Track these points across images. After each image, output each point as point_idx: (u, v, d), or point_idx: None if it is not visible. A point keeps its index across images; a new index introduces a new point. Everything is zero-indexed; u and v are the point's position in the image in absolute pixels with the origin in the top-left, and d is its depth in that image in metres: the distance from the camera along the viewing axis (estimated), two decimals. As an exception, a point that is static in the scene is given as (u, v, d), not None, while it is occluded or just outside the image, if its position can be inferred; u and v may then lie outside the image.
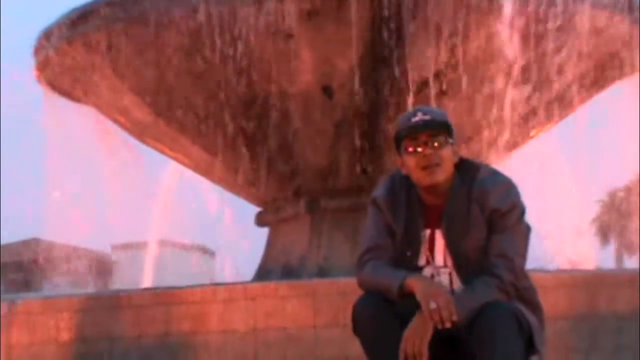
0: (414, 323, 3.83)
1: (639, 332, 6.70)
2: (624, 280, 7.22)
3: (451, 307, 3.78)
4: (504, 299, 3.89)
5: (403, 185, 4.09)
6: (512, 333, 3.79)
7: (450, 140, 4.03)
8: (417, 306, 3.84)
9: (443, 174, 3.99)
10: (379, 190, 4.16)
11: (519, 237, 4.01)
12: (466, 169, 4.07)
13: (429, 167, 3.98)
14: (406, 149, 4.03)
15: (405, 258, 4.05)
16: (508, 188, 4.04)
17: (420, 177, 4.01)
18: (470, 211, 3.99)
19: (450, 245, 4.02)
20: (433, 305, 3.78)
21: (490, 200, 3.97)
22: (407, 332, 3.81)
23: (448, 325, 3.79)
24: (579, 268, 11.16)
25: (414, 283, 3.88)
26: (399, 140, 4.07)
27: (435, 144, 3.99)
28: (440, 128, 4.02)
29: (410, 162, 4.02)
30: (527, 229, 4.06)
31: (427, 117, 4.01)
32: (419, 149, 3.99)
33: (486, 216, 3.97)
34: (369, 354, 3.96)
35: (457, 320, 3.80)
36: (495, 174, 4.10)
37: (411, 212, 4.06)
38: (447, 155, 4.01)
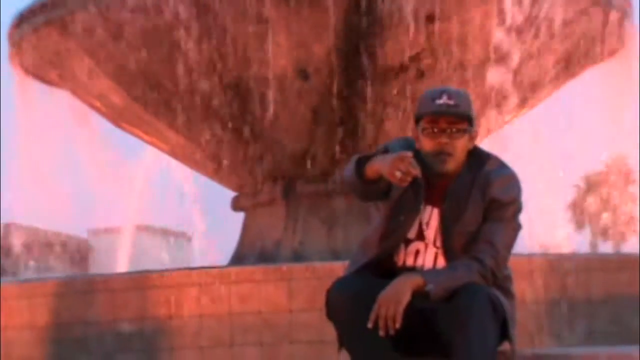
0: (393, 286, 3.83)
1: (611, 317, 6.76)
2: (597, 265, 7.28)
3: (413, 163, 3.79)
4: (481, 284, 3.91)
5: (412, 152, 4.04)
6: (488, 315, 3.82)
7: (470, 129, 4.03)
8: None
9: (454, 163, 4.01)
10: (392, 144, 4.13)
11: (510, 230, 4.06)
12: (476, 157, 4.09)
13: (441, 154, 3.98)
14: (424, 129, 4.02)
15: (398, 222, 4.04)
16: (511, 182, 4.08)
17: (431, 162, 4.01)
18: (470, 196, 4.01)
19: (444, 226, 4.04)
20: (398, 173, 3.79)
21: (493, 189, 4.01)
22: (383, 295, 3.81)
23: (411, 176, 3.79)
24: (553, 252, 11.21)
25: (375, 160, 3.91)
26: (419, 116, 4.05)
27: (453, 132, 3.98)
28: (462, 117, 3.99)
29: (425, 144, 4.02)
30: (519, 227, 4.11)
31: (451, 102, 3.97)
32: (436, 133, 3.98)
33: (485, 204, 4.01)
34: (344, 339, 3.96)
35: (433, 294, 3.81)
36: (503, 166, 4.13)
37: (415, 181, 3.99)
38: (462, 145, 4.01)
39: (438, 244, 4.07)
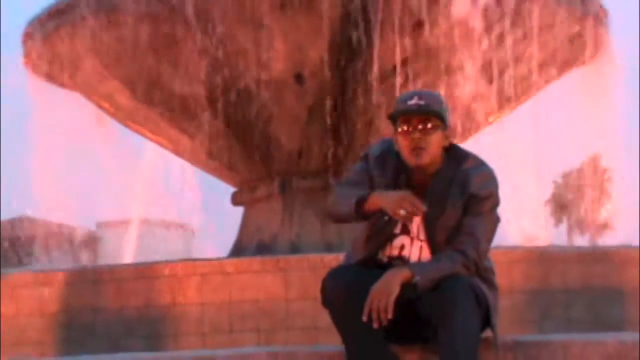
0: (383, 279, 3.84)
1: (587, 306, 6.75)
2: (574, 257, 7.28)
3: (418, 204, 3.82)
4: (465, 274, 3.91)
5: (393, 157, 4.09)
6: (470, 305, 3.82)
7: (442, 126, 4.04)
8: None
9: (428, 157, 4.01)
10: (373, 149, 4.16)
11: (489, 224, 4.06)
12: (455, 155, 4.09)
13: (415, 149, 4.00)
14: (399, 129, 4.05)
15: (383, 221, 4.04)
16: (489, 178, 4.07)
17: (408, 157, 4.03)
18: (450, 192, 4.02)
19: (427, 220, 4.04)
20: (402, 212, 3.83)
21: (471, 186, 4.01)
22: (375, 288, 3.82)
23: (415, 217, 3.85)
24: (533, 245, 11.21)
25: (377, 196, 3.92)
26: (395, 118, 4.08)
27: (425, 129, 4.00)
28: (432, 114, 4.02)
29: (401, 142, 4.04)
30: (497, 219, 4.11)
31: (421, 102, 4.01)
32: (410, 131, 4.00)
33: (464, 200, 4.01)
34: (339, 326, 3.95)
35: (420, 284, 3.81)
36: (481, 164, 4.13)
37: (396, 181, 4.05)
38: (435, 140, 4.02)
39: (422, 237, 4.07)
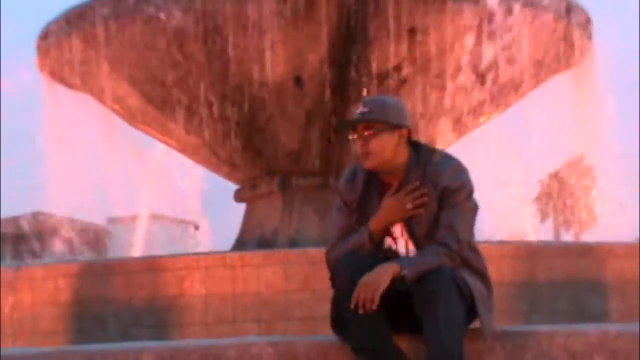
0: (373, 273, 3.84)
1: (571, 298, 6.75)
2: (559, 252, 7.28)
3: (402, 195, 3.96)
4: (450, 266, 3.91)
5: (362, 172, 4.12)
6: (453, 296, 3.81)
7: (389, 128, 4.02)
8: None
9: (375, 160, 4.02)
10: (342, 178, 4.21)
11: (466, 213, 4.03)
12: (422, 152, 4.08)
13: (363, 154, 4.05)
14: (352, 138, 4.10)
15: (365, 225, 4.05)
16: (458, 169, 4.05)
17: (362, 162, 4.08)
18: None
19: (406, 219, 4.02)
20: (410, 205, 3.94)
21: (442, 179, 3.98)
22: (364, 280, 3.82)
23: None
24: (521, 240, 11.22)
25: (375, 222, 3.99)
26: (347, 129, 4.16)
27: (369, 134, 4.02)
28: (374, 120, 4.02)
29: (355, 149, 4.10)
30: (475, 207, 4.07)
31: (365, 110, 4.04)
32: (357, 140, 4.06)
33: (437, 194, 3.98)
34: (342, 305, 3.90)
35: (409, 275, 3.83)
36: (448, 157, 4.12)
37: (367, 189, 4.09)
38: (381, 143, 4.01)
39: (405, 235, 4.06)
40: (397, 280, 3.84)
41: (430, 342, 3.79)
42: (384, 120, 4.03)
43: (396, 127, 4.03)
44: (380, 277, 3.82)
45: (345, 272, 3.91)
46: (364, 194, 4.07)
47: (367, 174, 4.10)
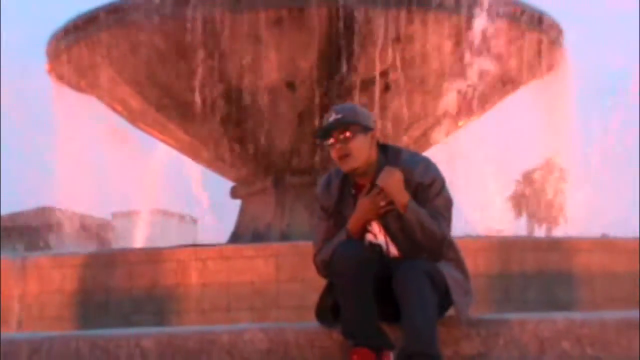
0: (395, 183, 3.90)
1: (542, 289, 6.78)
2: (531, 246, 7.30)
3: (375, 194, 3.94)
4: (433, 247, 3.91)
5: (337, 177, 4.09)
6: (426, 287, 3.81)
7: (363, 130, 4.00)
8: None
9: (356, 160, 3.99)
10: (317, 188, 4.16)
11: (442, 205, 4.00)
12: (390, 153, 4.06)
13: (342, 157, 3.99)
14: (327, 144, 4.05)
15: (344, 226, 4.03)
16: (427, 165, 4.03)
17: (339, 165, 4.04)
18: None
19: (382, 217, 4.00)
20: (382, 203, 3.94)
21: (414, 175, 3.96)
22: (386, 182, 3.88)
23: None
24: (495, 235, 11.24)
25: (353, 222, 3.97)
26: (321, 137, 4.09)
27: (345, 137, 3.98)
28: (348, 124, 3.99)
29: (332, 155, 4.05)
30: (449, 199, 4.04)
31: (338, 116, 4.00)
32: (334, 143, 4.01)
33: (412, 190, 3.95)
34: (346, 291, 3.87)
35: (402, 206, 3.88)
36: (415, 154, 4.13)
37: (342, 193, 4.05)
38: (358, 144, 3.99)
39: (382, 230, 4.04)
40: (394, 213, 3.90)
41: (406, 329, 3.80)
42: (357, 122, 4.01)
43: (368, 129, 4.02)
44: (400, 184, 3.89)
45: (345, 257, 3.86)
46: (339, 198, 4.04)
47: (342, 179, 4.05)
